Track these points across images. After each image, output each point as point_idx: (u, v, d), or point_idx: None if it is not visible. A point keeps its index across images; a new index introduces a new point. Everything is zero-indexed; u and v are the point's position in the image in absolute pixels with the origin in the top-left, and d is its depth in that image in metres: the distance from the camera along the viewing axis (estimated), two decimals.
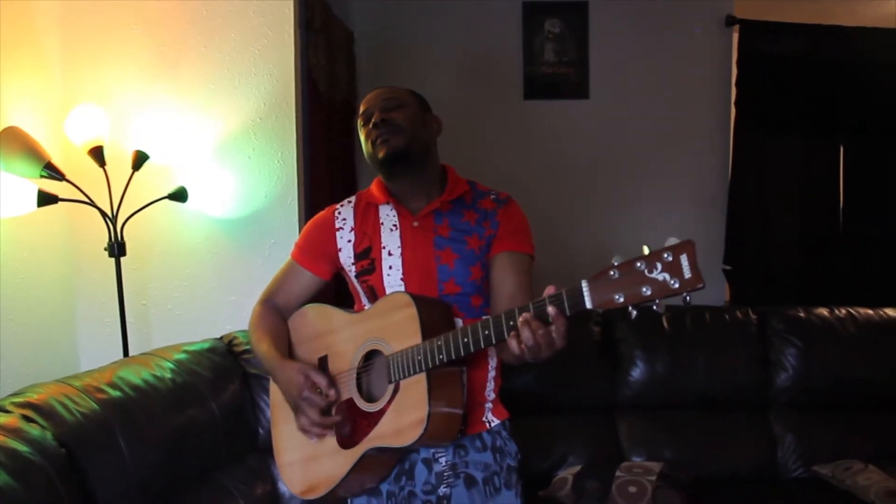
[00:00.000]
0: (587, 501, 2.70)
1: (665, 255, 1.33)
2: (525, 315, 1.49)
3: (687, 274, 1.31)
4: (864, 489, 2.72)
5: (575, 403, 3.12)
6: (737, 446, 3.05)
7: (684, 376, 3.10)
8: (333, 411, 1.85)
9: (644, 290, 1.34)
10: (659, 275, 1.33)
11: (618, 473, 2.74)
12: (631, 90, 4.58)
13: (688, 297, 1.33)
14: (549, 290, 1.48)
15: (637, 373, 3.10)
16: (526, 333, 1.48)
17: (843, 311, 3.21)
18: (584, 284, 1.41)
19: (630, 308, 1.38)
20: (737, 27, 4.49)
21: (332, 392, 1.82)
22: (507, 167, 4.43)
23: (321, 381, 1.82)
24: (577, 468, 2.85)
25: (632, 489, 2.67)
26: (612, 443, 3.05)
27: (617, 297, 1.37)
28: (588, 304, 1.41)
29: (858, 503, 2.72)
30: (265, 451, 2.46)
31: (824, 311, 3.21)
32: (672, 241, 1.34)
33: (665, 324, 3.14)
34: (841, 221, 4.67)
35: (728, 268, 4.56)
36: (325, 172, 3.60)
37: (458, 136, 4.21)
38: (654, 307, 1.36)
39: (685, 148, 4.63)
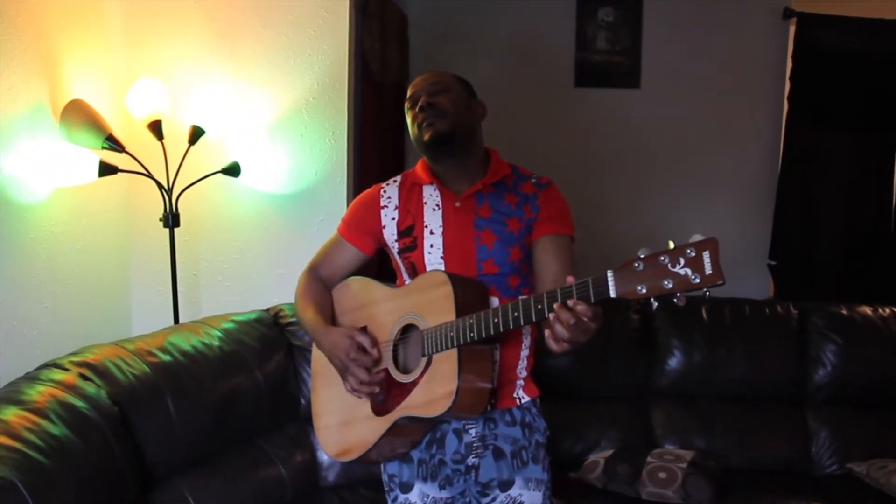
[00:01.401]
0: (617, 485, 2.74)
1: (688, 251, 1.37)
2: (554, 304, 1.54)
3: (708, 270, 1.36)
4: None
5: (611, 389, 3.15)
6: (771, 439, 3.05)
7: (721, 368, 3.10)
8: (377, 371, 1.91)
9: (666, 283, 1.39)
10: (681, 269, 1.38)
11: (649, 459, 2.77)
12: (682, 81, 4.56)
13: (707, 293, 1.37)
14: (571, 280, 1.54)
15: (674, 362, 3.12)
16: (555, 325, 1.54)
17: (888, 310, 3.19)
18: (610, 274, 1.46)
19: (651, 299, 1.43)
20: (794, 20, 4.43)
21: (375, 351, 1.89)
22: (556, 153, 4.45)
23: (365, 340, 1.89)
24: (609, 452, 2.88)
25: (662, 475, 2.70)
26: (646, 430, 3.08)
27: (640, 288, 1.42)
28: (612, 293, 1.46)
29: (892, 502, 2.71)
30: (306, 420, 2.54)
31: (867, 310, 3.19)
32: (696, 237, 1.38)
33: (704, 315, 3.15)
34: (893, 219, 4.60)
35: (773, 263, 4.54)
36: (374, 152, 3.66)
37: (508, 120, 4.28)
38: (675, 300, 1.41)
39: (735, 141, 4.60)
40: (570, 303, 1.51)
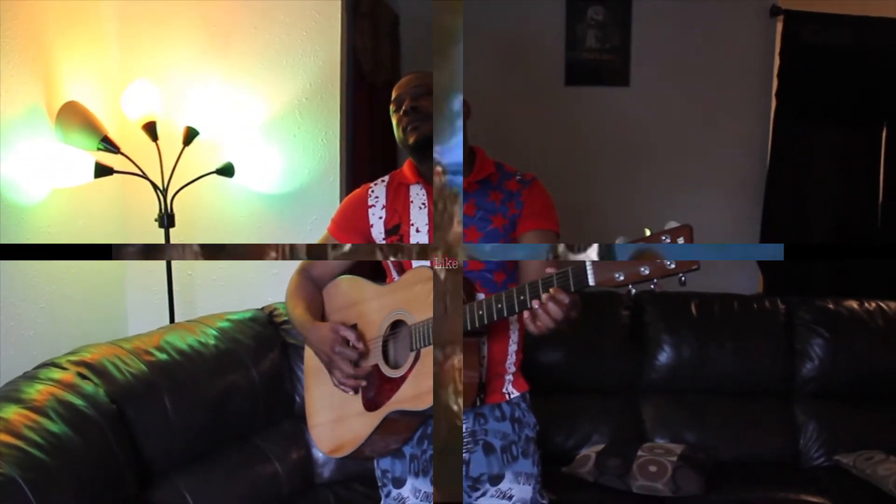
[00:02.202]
0: (608, 478, 2.77)
1: (663, 238, 1.41)
2: (540, 293, 1.58)
3: None
4: (883, 479, 2.75)
5: (602, 384, 3.18)
6: (759, 433, 3.09)
7: (710, 362, 3.13)
8: (363, 364, 1.95)
9: (643, 269, 1.43)
10: None
11: (639, 453, 2.81)
12: (672, 79, 4.61)
13: (683, 278, 1.40)
14: (550, 270, 1.58)
15: (664, 357, 3.15)
16: (538, 314, 1.59)
17: (873, 304, 3.22)
18: (589, 263, 1.50)
19: (630, 286, 1.47)
20: (781, 18, 4.47)
21: (360, 345, 1.92)
22: (547, 151, 4.50)
23: (350, 335, 1.92)
24: (600, 446, 2.92)
25: (652, 468, 2.74)
26: (637, 424, 3.11)
27: (617, 275, 1.46)
28: (591, 281, 1.51)
29: (878, 493, 2.75)
30: (301, 417, 2.56)
31: (853, 304, 3.22)
32: (672, 224, 1.42)
33: (693, 310, 3.18)
34: (879, 215, 4.64)
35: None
36: (366, 152, 3.69)
37: (498, 119, 4.32)
38: (652, 286, 1.45)
39: (724, 138, 4.65)
40: (551, 291, 1.56)
